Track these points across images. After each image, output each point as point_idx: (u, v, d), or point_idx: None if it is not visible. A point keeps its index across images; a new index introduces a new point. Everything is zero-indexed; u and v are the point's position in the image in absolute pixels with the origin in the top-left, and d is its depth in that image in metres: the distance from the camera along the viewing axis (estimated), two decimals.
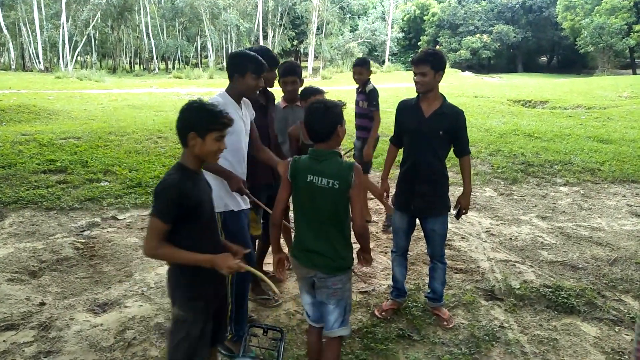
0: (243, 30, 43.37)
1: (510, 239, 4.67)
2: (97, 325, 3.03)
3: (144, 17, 40.71)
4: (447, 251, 4.31)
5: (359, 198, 2.25)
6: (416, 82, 2.99)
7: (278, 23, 44.90)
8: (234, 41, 45.36)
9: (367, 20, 50.87)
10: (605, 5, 37.60)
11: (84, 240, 4.33)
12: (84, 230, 4.57)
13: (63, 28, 33.80)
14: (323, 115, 2.22)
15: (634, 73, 38.28)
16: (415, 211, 3.16)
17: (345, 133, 2.34)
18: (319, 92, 3.62)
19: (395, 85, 24.03)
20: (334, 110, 2.24)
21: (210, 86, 23.05)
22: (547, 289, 3.63)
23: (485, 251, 4.37)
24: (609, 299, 3.55)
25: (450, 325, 3.17)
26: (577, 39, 40.00)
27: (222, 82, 27.69)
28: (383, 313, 3.27)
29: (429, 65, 2.91)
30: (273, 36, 44.83)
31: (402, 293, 3.37)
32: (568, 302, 3.45)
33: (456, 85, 24.33)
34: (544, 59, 56.70)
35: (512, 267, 4.05)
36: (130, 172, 6.38)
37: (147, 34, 41.31)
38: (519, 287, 3.69)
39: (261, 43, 42.89)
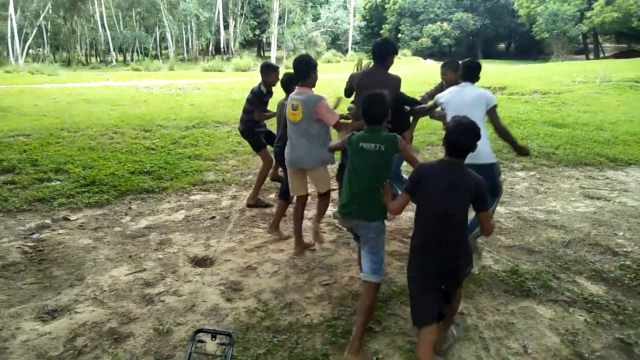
0: (203, 20, 42.41)
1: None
2: (46, 334, 2.88)
3: (98, 7, 39.22)
4: (407, 240, 4.35)
5: (404, 146, 2.88)
6: None
7: (239, 12, 44.14)
8: (194, 31, 44.32)
9: (329, 9, 50.70)
10: None
11: (32, 244, 4.12)
12: (33, 233, 4.35)
13: (11, 20, 32.17)
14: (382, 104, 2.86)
15: (587, 58, 39.68)
16: None
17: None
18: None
19: None
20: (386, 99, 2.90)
21: (171, 78, 22.43)
22: (504, 274, 3.70)
23: None
24: (563, 281, 3.64)
25: None
26: (532, 26, 41.08)
27: (183, 73, 27.05)
28: None
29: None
30: (235, 26, 44.06)
31: None
32: (524, 285, 3.53)
33: (418, 73, 24.58)
34: (502, 45, 58.04)
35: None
36: (83, 169, 6.11)
37: (103, 24, 39.85)
38: (477, 272, 3.74)
39: (222, 33, 42.11)
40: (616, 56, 36.91)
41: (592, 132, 8.74)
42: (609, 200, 5.44)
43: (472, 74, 3.96)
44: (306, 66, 3.79)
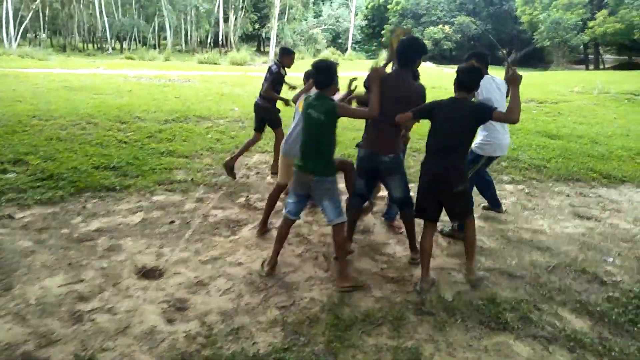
0: (203, 12, 41.93)
1: (449, 243, 4.38)
2: None
3: None
4: (379, 257, 4.00)
5: (345, 110, 3.36)
6: None
7: (240, 5, 43.63)
8: (193, 22, 43.80)
9: (331, 6, 50.24)
10: (562, 1, 38.36)
11: None
12: None
13: (6, 2, 31.55)
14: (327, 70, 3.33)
15: (587, 69, 39.43)
16: None
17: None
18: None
19: (355, 73, 23.62)
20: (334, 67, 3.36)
21: (164, 69, 21.94)
22: (480, 302, 3.35)
23: None
24: (545, 313, 3.30)
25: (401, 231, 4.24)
26: (534, 33, 40.73)
27: (177, 64, 26.56)
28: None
29: None
30: (235, 19, 43.55)
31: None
32: (502, 317, 3.18)
33: None
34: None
35: (448, 276, 3.75)
36: (45, 162, 5.72)
37: (101, 11, 39.24)
38: (451, 299, 3.39)
39: (221, 26, 41.61)
40: (616, 68, 36.65)
41: (587, 145, 8.42)
42: (600, 221, 5.11)
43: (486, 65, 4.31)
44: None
